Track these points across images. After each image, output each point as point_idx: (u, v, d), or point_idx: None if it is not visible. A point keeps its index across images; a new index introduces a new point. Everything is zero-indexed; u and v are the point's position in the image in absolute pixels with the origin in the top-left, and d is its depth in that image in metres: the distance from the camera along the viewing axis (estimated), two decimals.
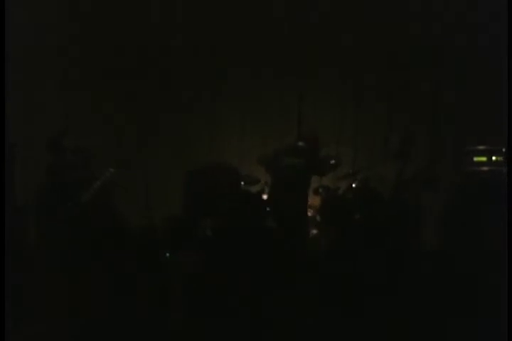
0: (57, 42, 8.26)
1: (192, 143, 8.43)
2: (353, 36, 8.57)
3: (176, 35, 8.61)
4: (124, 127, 8.41)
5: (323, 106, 8.62)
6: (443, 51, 8.37)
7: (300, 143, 6.85)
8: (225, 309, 3.86)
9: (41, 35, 8.19)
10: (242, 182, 7.34)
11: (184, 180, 7.37)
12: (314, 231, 6.87)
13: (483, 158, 7.14)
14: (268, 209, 6.20)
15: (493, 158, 7.15)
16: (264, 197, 7.01)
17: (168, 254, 4.30)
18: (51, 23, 8.20)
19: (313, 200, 7.21)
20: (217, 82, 8.58)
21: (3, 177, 5.02)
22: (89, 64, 8.37)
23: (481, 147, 7.21)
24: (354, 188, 7.19)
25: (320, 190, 7.30)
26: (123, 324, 3.80)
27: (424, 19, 8.37)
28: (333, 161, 7.23)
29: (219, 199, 6.15)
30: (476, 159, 7.16)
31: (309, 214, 7.07)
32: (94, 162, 6.86)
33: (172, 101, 8.52)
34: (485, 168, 7.10)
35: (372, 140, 8.49)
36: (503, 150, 6.99)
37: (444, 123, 8.37)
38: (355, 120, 8.69)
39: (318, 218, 7.01)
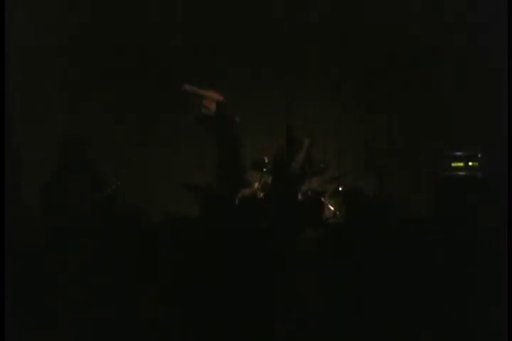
0: (57, 42, 8.26)
1: (191, 144, 8.42)
2: (353, 36, 8.58)
3: (176, 35, 8.61)
4: (124, 126, 8.42)
5: (316, 106, 8.64)
6: (443, 51, 8.37)
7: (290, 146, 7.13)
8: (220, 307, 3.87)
9: (41, 35, 8.18)
10: (236, 185, 7.39)
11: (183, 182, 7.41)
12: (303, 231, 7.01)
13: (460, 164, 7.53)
14: (261, 210, 6.27)
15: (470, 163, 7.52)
16: (257, 198, 7.08)
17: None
18: (51, 23, 8.19)
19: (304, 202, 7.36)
20: (217, 82, 8.58)
21: (3, 178, 5.02)
22: (89, 64, 8.37)
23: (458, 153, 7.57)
24: (341, 191, 7.43)
25: (309, 193, 7.39)
26: (126, 324, 3.81)
27: (424, 19, 8.38)
28: (321, 165, 7.49)
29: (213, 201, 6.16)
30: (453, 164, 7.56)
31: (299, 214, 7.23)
32: (94, 161, 6.87)
33: (172, 101, 8.51)
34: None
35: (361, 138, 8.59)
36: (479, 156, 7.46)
37: (444, 124, 8.37)
38: (349, 122, 8.73)
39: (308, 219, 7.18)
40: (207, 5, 8.58)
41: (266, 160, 7.52)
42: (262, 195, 7.32)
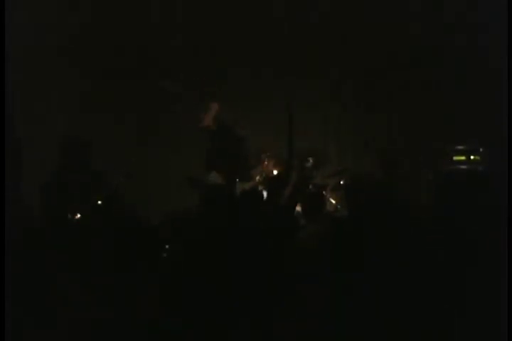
0: (57, 42, 8.26)
1: (191, 143, 8.44)
2: (353, 36, 8.59)
3: (176, 35, 8.61)
4: (124, 126, 8.43)
5: (316, 106, 8.65)
6: (443, 51, 8.38)
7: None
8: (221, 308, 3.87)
9: (41, 35, 8.17)
10: (237, 180, 7.42)
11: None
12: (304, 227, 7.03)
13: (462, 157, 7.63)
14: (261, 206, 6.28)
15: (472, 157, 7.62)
16: (258, 194, 7.09)
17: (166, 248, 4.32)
18: (51, 23, 8.19)
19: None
20: (217, 81, 8.59)
21: (3, 178, 5.01)
22: (89, 64, 8.37)
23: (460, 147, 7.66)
24: (342, 185, 7.47)
25: (310, 187, 7.41)
26: (126, 324, 3.80)
27: (424, 19, 8.39)
28: (323, 160, 7.63)
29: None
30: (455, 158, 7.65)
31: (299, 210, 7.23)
32: (94, 161, 6.86)
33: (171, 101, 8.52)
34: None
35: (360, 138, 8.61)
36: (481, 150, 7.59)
37: (444, 124, 8.38)
38: (347, 119, 8.75)
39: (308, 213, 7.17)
40: (207, 5, 8.58)
41: (267, 154, 7.57)
42: (263, 188, 7.32)
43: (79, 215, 6.06)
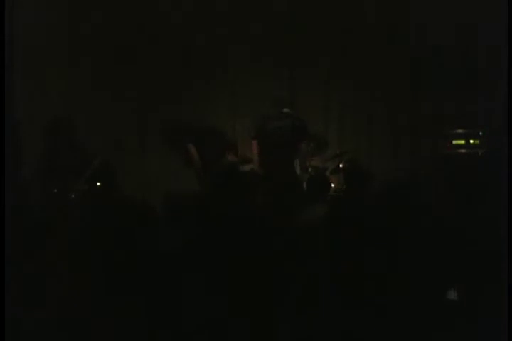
0: (57, 43, 8.26)
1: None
2: (353, 36, 8.61)
3: (178, 34, 8.62)
4: (123, 126, 8.45)
5: (314, 90, 8.65)
6: (443, 51, 8.39)
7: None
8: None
9: (41, 35, 8.18)
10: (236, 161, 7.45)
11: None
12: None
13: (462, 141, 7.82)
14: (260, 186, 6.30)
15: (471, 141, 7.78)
16: (256, 175, 7.10)
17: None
18: (51, 23, 8.20)
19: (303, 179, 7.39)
20: (217, 79, 8.62)
21: (3, 175, 5.01)
22: (89, 64, 8.37)
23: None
24: (341, 168, 7.51)
25: (309, 170, 7.43)
26: (126, 322, 3.81)
27: (424, 19, 8.40)
28: (321, 142, 7.71)
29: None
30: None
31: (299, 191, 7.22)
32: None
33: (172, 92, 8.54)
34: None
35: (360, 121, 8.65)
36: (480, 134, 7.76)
37: (444, 124, 8.40)
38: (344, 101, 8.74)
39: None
40: (207, 4, 8.61)
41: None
42: (261, 171, 7.32)
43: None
